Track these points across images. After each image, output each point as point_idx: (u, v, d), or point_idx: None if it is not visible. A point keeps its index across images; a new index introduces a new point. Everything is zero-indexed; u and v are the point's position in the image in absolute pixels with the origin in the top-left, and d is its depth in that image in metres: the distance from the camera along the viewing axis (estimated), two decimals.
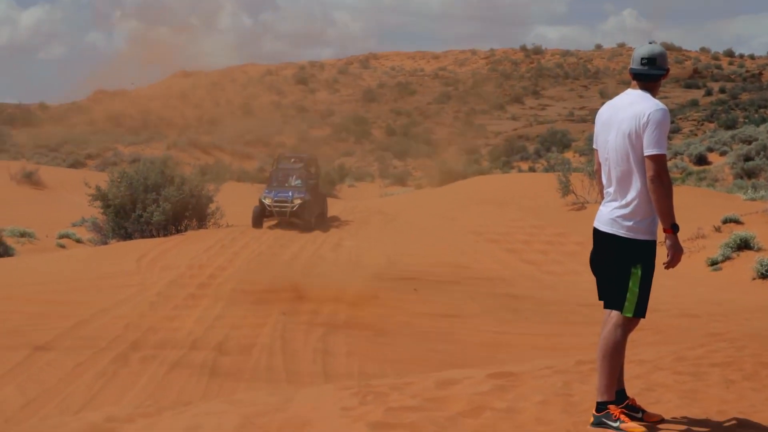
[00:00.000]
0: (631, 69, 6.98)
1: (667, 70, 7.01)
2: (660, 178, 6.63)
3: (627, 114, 6.83)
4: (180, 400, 10.35)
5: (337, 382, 9.77)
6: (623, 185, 6.89)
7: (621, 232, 6.89)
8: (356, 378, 11.10)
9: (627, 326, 6.93)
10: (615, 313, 6.95)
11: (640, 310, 6.87)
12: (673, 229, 6.69)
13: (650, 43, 7.03)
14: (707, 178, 47.14)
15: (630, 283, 6.85)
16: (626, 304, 6.86)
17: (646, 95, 6.87)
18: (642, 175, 6.76)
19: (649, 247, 6.87)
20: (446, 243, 28.57)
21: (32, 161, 59.10)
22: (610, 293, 6.99)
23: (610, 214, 6.95)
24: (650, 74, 6.91)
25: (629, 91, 7.01)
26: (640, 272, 6.83)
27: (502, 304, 19.15)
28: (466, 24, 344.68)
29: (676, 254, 6.73)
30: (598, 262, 7.15)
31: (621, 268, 6.91)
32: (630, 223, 6.85)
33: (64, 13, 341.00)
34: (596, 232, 7.08)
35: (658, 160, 6.64)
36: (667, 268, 6.81)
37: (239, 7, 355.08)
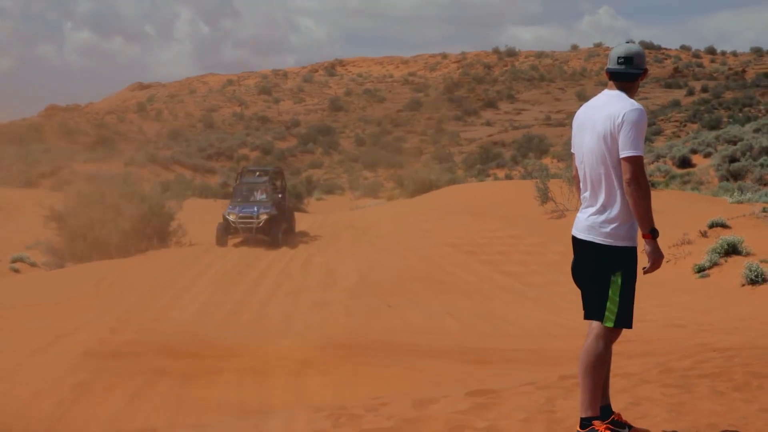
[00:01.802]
0: (608, 69, 7.01)
1: (645, 70, 7.02)
2: (637, 180, 6.62)
3: (601, 115, 6.84)
4: (145, 427, 10.29)
5: (310, 404, 9.76)
6: (599, 189, 6.89)
7: (598, 239, 6.89)
8: (329, 401, 11.08)
9: (609, 337, 6.93)
10: (596, 324, 6.95)
11: (623, 321, 6.86)
12: (652, 234, 6.70)
13: (627, 42, 7.07)
14: (692, 181, 47.34)
15: (610, 292, 6.85)
16: (607, 314, 6.85)
17: (622, 95, 6.89)
18: (618, 179, 6.76)
19: (629, 253, 6.87)
20: (421, 256, 28.63)
21: None
22: (591, 303, 7.00)
23: (587, 221, 6.96)
24: (627, 74, 6.93)
25: (605, 91, 7.02)
26: (620, 280, 6.82)
27: (481, 318, 19.19)
28: (436, 27, 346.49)
29: (656, 260, 6.74)
30: (578, 272, 7.17)
31: (600, 277, 6.91)
32: (607, 229, 6.85)
33: (12, 24, 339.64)
34: (574, 239, 7.10)
35: (635, 162, 6.62)
36: (645, 273, 6.83)
37: (197, 14, 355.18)
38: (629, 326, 6.91)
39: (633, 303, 6.88)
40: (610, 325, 6.85)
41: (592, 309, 6.99)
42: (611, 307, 6.85)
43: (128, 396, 13.30)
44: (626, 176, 6.67)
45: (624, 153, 6.66)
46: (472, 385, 9.49)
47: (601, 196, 6.91)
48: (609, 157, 6.77)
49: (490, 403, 8.42)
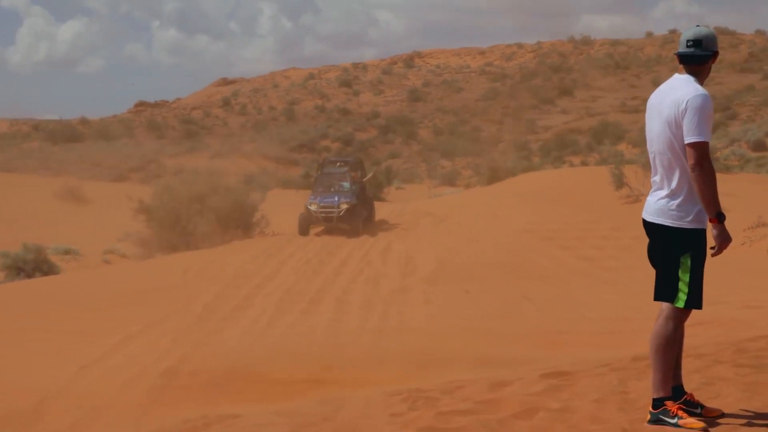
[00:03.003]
0: (678, 52, 6.93)
1: (715, 53, 6.90)
2: (701, 166, 6.54)
3: (668, 100, 6.77)
4: (230, 412, 10.38)
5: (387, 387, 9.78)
6: (668, 174, 6.82)
7: (668, 222, 6.83)
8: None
9: (679, 318, 6.87)
10: (666, 305, 6.89)
11: (693, 301, 6.80)
12: (718, 218, 6.62)
13: (698, 26, 6.98)
14: (767, 164, 46.59)
15: (680, 273, 6.80)
16: (679, 294, 6.80)
17: (690, 80, 6.80)
18: (685, 164, 6.70)
19: (698, 235, 6.80)
20: (498, 243, 28.55)
21: (75, 177, 59.53)
22: (662, 284, 6.94)
23: (657, 204, 6.90)
24: (696, 56, 6.82)
25: (675, 75, 6.95)
26: (689, 261, 6.76)
27: (557, 303, 19.11)
28: (511, 17, 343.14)
29: (723, 243, 6.66)
30: (653, 254, 7.12)
31: (670, 258, 6.85)
32: (676, 212, 6.80)
33: (102, 25, 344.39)
34: (645, 222, 7.04)
35: (699, 147, 6.55)
36: (713, 255, 6.75)
37: (279, 10, 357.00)
38: (699, 307, 6.84)
39: (702, 284, 6.82)
40: (680, 305, 6.79)
41: (663, 290, 6.92)
42: (683, 287, 6.79)
43: (215, 382, 13.41)
44: (691, 162, 6.59)
45: (688, 139, 6.57)
46: (547, 367, 9.46)
47: (670, 180, 6.84)
48: (675, 142, 6.69)
49: (564, 384, 8.39)
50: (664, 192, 6.88)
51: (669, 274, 6.86)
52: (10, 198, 48.78)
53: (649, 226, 7.00)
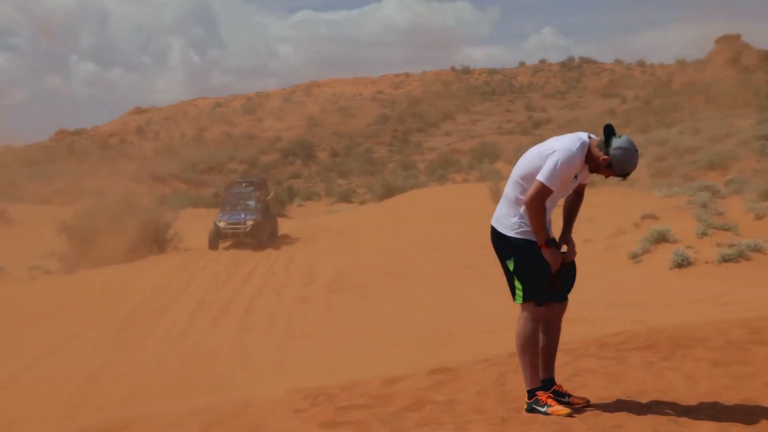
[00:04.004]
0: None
1: (607, 161, 6.81)
2: (531, 202, 6.72)
3: (548, 142, 6.97)
4: (149, 411, 10.29)
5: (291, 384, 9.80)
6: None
7: (499, 228, 7.13)
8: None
9: (533, 316, 7.05)
10: (521, 310, 7.12)
11: (530, 296, 6.98)
12: (546, 244, 6.85)
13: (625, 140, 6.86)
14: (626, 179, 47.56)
15: (513, 273, 7.03)
16: (516, 291, 7.04)
17: (575, 138, 6.90)
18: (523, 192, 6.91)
19: (521, 243, 7.00)
20: (390, 253, 28.68)
21: (1, 200, 58.20)
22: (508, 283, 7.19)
23: (499, 211, 7.17)
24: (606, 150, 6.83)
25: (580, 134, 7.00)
26: (513, 264, 6.99)
27: (444, 306, 19.26)
28: (398, 49, 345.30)
29: (554, 263, 6.90)
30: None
31: (503, 260, 7.14)
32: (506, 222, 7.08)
33: (24, 60, 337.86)
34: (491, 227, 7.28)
35: (539, 188, 6.70)
36: (553, 272, 6.95)
37: (187, 44, 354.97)
38: (539, 301, 7.00)
39: (541, 284, 6.96)
40: (519, 301, 7.03)
41: (510, 289, 7.17)
42: (518, 285, 7.01)
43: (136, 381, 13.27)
44: (527, 195, 6.78)
45: (538, 177, 6.74)
46: (435, 365, 9.56)
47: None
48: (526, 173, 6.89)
49: (449, 379, 8.50)
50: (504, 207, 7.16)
51: (506, 274, 7.11)
52: None
53: (492, 230, 7.22)
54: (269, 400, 8.23)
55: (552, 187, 6.71)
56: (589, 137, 6.89)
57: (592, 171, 6.92)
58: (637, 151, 6.85)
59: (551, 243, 6.89)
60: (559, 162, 6.65)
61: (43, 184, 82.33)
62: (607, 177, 7.01)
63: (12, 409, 12.02)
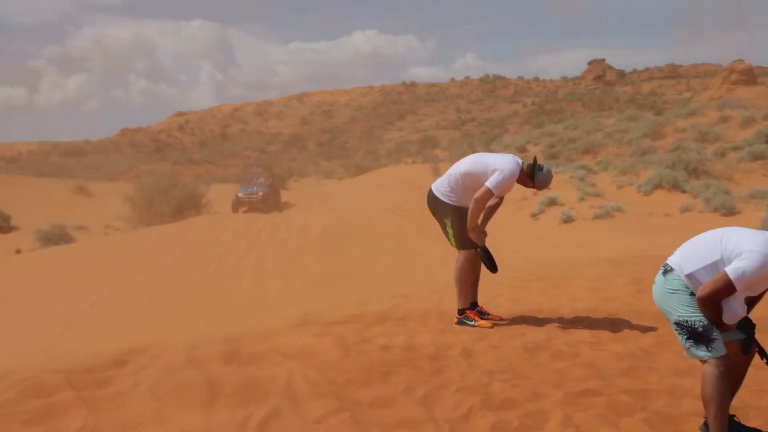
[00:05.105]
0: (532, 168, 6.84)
1: (532, 179, 6.83)
2: (477, 200, 6.64)
3: (491, 157, 6.85)
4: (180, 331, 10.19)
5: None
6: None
7: (437, 194, 7.09)
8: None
9: (466, 258, 7.04)
10: (458, 252, 7.09)
11: (462, 245, 6.95)
12: (472, 228, 6.76)
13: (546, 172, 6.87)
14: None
15: (448, 229, 7.00)
16: (451, 240, 7.03)
17: (515, 160, 6.81)
18: (471, 187, 6.82)
19: (454, 208, 6.97)
20: (361, 214, 28.60)
21: (82, 179, 57.31)
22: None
23: (441, 184, 7.06)
24: (531, 175, 6.83)
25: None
26: (449, 222, 6.95)
27: (400, 252, 19.26)
28: (365, 68, 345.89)
29: (478, 240, 6.85)
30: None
31: (441, 219, 7.08)
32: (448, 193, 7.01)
33: (97, 78, 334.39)
34: (430, 192, 7.19)
35: (486, 192, 6.62)
36: (480, 248, 6.89)
37: (212, 67, 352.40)
38: (468, 248, 6.94)
39: (467, 236, 6.87)
40: (456, 247, 7.00)
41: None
42: (451, 238, 7.01)
43: (172, 314, 13.12)
44: (476, 194, 6.67)
45: (487, 183, 6.64)
46: (394, 292, 9.56)
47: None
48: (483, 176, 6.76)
49: (404, 303, 8.50)
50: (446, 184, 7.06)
51: (443, 229, 7.08)
52: (40, 194, 47.13)
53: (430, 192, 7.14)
54: (275, 320, 8.17)
55: (495, 192, 6.61)
56: (518, 163, 6.80)
57: (520, 183, 6.83)
58: (552, 176, 6.89)
59: (475, 228, 6.78)
60: (504, 177, 6.58)
61: (112, 167, 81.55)
62: (529, 188, 6.97)
63: (99, 320, 11.87)
